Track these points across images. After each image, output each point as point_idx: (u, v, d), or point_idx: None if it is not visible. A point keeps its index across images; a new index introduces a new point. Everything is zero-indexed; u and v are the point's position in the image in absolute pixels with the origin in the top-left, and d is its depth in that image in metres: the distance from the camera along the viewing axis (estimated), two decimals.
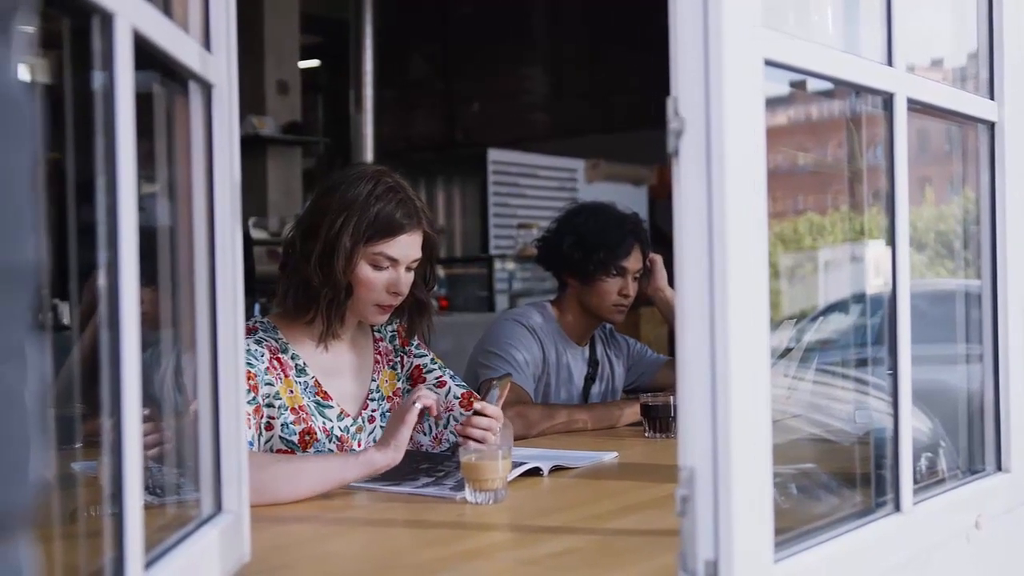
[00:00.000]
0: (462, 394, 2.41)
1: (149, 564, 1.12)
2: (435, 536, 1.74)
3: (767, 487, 1.25)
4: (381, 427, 2.36)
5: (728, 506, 1.18)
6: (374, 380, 2.39)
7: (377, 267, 2.23)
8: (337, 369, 2.34)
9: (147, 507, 1.10)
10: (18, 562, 0.60)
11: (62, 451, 1.84)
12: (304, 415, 2.23)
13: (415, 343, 2.47)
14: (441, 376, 2.44)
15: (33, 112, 0.62)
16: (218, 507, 1.41)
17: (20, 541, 0.60)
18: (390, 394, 2.41)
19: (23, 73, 0.61)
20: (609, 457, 2.41)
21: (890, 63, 1.56)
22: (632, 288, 3.09)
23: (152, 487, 1.35)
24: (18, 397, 0.60)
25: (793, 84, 1.52)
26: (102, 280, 1.03)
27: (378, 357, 2.42)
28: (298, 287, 2.25)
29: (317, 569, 1.64)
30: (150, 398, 1.16)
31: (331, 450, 2.25)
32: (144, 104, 1.12)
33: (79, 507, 1.39)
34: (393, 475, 2.07)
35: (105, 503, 1.17)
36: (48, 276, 0.85)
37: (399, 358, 2.46)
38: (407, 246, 2.25)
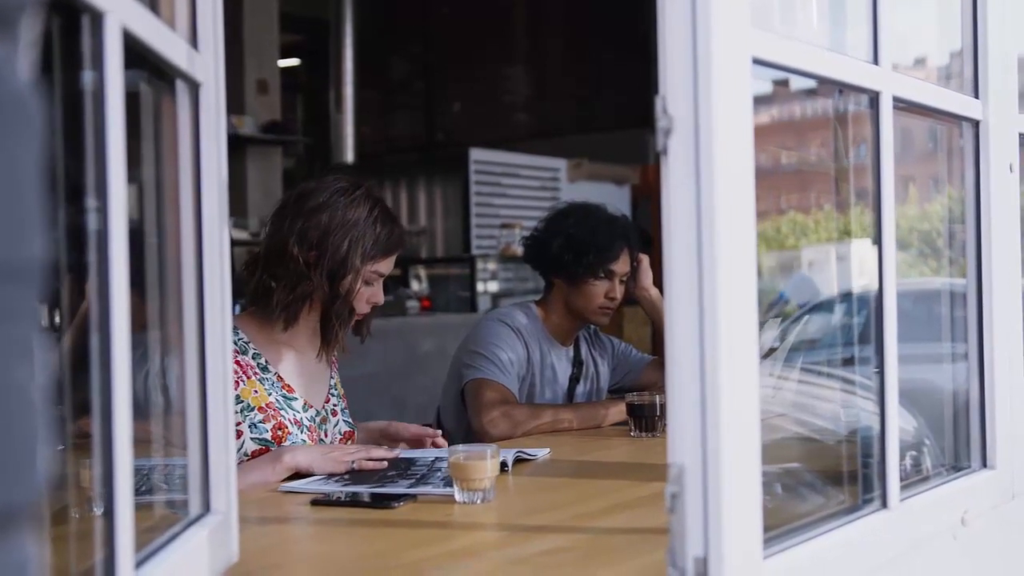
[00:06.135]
0: (345, 431, 2.53)
1: (139, 564, 1.12)
2: (423, 536, 1.74)
3: (756, 484, 1.25)
4: (344, 420, 2.50)
5: (718, 503, 1.18)
6: (332, 378, 2.53)
7: (367, 283, 2.38)
8: (299, 366, 2.43)
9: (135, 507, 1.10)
10: (25, 557, 0.60)
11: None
12: (273, 411, 2.31)
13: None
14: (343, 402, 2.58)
15: (39, 111, 0.62)
16: (206, 508, 1.40)
17: (27, 537, 0.61)
18: (342, 393, 2.56)
19: (28, 72, 0.61)
20: (543, 454, 2.43)
21: (876, 62, 1.56)
22: (619, 291, 3.09)
23: (140, 487, 1.35)
24: (27, 394, 0.60)
25: (776, 82, 1.52)
26: (91, 282, 1.02)
27: (333, 359, 2.55)
28: (301, 300, 2.33)
29: (305, 569, 1.63)
30: (135, 400, 1.15)
31: (304, 440, 2.34)
32: (130, 103, 1.11)
33: (66, 507, 1.38)
34: (375, 479, 2.08)
35: (90, 504, 1.17)
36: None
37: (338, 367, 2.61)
38: (393, 263, 2.43)
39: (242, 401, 2.27)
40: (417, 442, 2.49)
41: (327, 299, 2.34)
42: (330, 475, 2.13)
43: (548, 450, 2.46)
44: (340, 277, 2.32)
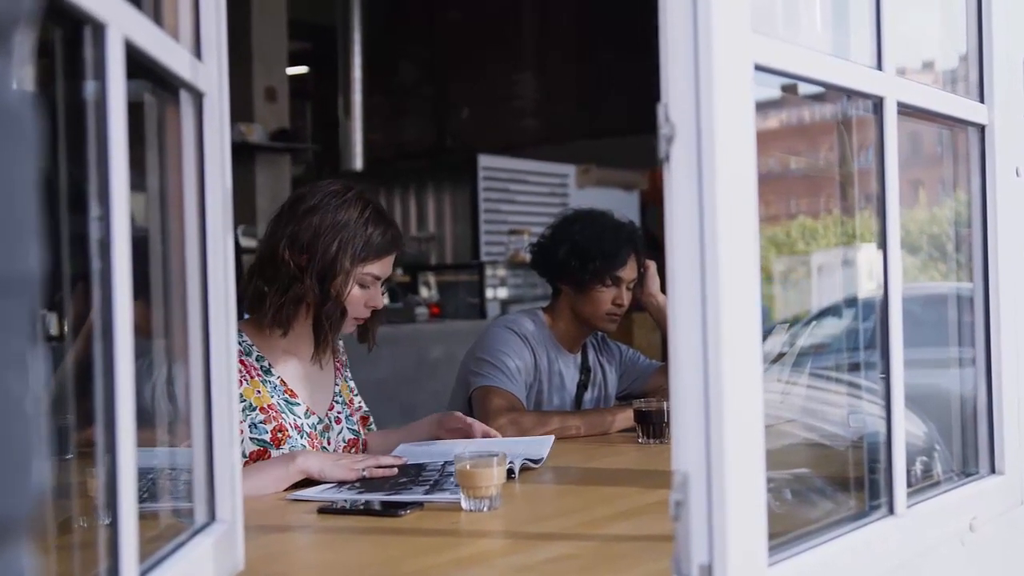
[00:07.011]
0: (349, 439, 2.54)
1: (143, 574, 1.12)
2: (430, 544, 1.74)
3: (761, 490, 1.25)
4: (348, 428, 2.50)
5: (722, 510, 1.18)
6: (336, 384, 2.53)
7: (362, 286, 2.37)
8: (302, 373, 2.43)
9: (140, 516, 1.10)
10: (20, 568, 0.61)
11: (54, 461, 1.83)
12: (274, 413, 2.32)
13: (347, 365, 2.62)
14: (360, 402, 2.62)
15: (34, 123, 0.62)
16: (212, 516, 1.40)
17: (22, 547, 0.61)
18: (348, 400, 2.55)
19: (24, 84, 0.62)
20: (548, 442, 2.48)
21: (880, 67, 1.56)
22: (626, 297, 3.08)
23: (143, 494, 1.35)
24: (20, 404, 0.61)
25: (784, 88, 1.52)
26: (95, 291, 1.02)
27: (338, 365, 2.56)
28: (294, 303, 2.33)
29: None
30: (142, 409, 1.15)
31: (303, 446, 2.34)
32: (135, 113, 1.11)
33: (72, 517, 1.38)
34: (387, 487, 2.08)
35: (96, 513, 1.17)
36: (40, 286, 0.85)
37: (347, 372, 2.61)
38: (389, 265, 2.42)
39: (244, 400, 2.27)
40: (463, 433, 2.53)
41: (318, 301, 2.34)
42: (341, 483, 2.13)
43: (552, 437, 2.51)
44: (330, 279, 2.32)
